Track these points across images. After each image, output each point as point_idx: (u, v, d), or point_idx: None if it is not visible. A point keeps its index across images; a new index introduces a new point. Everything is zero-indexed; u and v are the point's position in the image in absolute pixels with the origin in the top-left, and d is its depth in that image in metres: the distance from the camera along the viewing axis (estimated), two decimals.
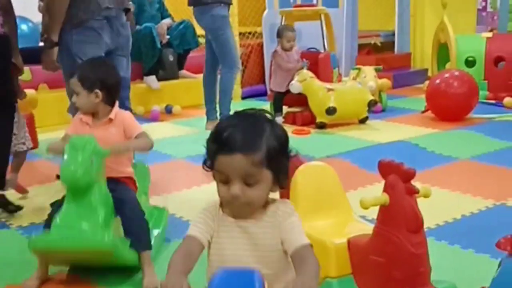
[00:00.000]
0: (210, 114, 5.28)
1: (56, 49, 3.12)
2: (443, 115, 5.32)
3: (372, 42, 8.27)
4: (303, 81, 5.16)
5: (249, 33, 7.17)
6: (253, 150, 1.37)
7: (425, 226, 1.98)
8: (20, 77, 3.49)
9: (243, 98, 6.72)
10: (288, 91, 5.29)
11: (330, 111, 5.09)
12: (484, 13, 8.27)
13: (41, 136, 4.62)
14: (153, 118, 5.71)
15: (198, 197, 3.35)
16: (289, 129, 5.07)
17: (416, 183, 1.97)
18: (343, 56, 7.28)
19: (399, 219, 1.92)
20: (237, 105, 5.60)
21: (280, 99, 5.48)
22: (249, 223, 1.46)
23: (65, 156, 2.30)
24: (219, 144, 1.39)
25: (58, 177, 3.21)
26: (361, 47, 7.83)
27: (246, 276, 1.29)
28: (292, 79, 5.22)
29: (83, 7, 3.10)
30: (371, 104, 5.29)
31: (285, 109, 5.55)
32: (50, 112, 5.12)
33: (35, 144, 4.27)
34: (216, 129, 1.43)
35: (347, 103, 5.19)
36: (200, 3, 4.91)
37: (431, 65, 7.08)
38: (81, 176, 2.26)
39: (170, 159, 4.05)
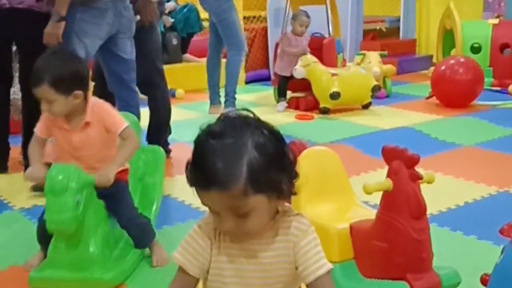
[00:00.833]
0: (213, 98, 5.26)
1: (62, 23, 3.10)
2: (447, 102, 5.30)
3: (377, 27, 8.21)
4: (307, 66, 5.14)
5: (253, 17, 7.12)
6: (230, 182, 1.12)
7: (427, 212, 1.98)
8: None
9: (247, 82, 6.70)
10: (292, 76, 5.26)
11: (334, 96, 5.07)
12: (490, 0, 8.21)
13: None
14: None
15: None
16: (292, 114, 5.15)
17: (419, 169, 1.96)
18: (348, 41, 7.24)
19: (402, 204, 1.92)
20: (241, 89, 5.61)
21: (285, 84, 5.45)
22: (259, 248, 1.26)
23: (47, 203, 2.09)
24: (194, 175, 1.17)
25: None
26: (366, 32, 7.78)
27: None
28: (296, 64, 5.19)
29: None
30: (374, 90, 5.27)
31: (288, 94, 5.52)
32: None
33: None
34: (192, 152, 1.20)
35: (351, 88, 5.17)
36: None
37: (436, 51, 7.04)
38: (68, 225, 2.09)
39: (173, 143, 4.03)
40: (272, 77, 6.09)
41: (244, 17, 6.75)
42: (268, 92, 6.00)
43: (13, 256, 2.51)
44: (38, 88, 2.15)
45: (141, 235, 2.42)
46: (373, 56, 5.77)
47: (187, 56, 6.49)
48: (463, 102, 5.27)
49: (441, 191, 2.97)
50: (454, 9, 6.43)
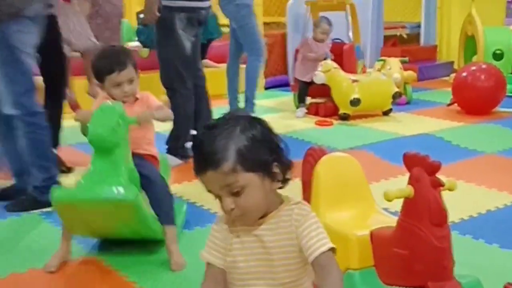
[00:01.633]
0: (232, 104, 5.26)
1: None
2: (469, 109, 5.25)
3: (398, 33, 8.17)
4: (327, 72, 5.12)
5: (273, 23, 7.13)
6: (220, 161, 1.30)
7: (449, 220, 1.95)
8: None
9: (266, 88, 6.70)
10: (312, 82, 5.25)
11: (354, 102, 5.04)
12: None
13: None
14: None
15: None
16: (312, 120, 5.13)
17: (440, 176, 1.93)
18: (368, 47, 7.21)
19: (423, 212, 1.89)
20: (260, 95, 5.61)
21: (305, 89, 5.44)
22: (263, 231, 1.39)
23: (93, 118, 2.35)
24: (195, 164, 1.36)
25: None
26: (386, 38, 7.74)
27: None
28: (316, 70, 5.18)
29: None
30: (395, 96, 5.24)
31: (308, 99, 5.51)
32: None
33: None
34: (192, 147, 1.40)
35: (371, 94, 5.14)
36: None
37: (458, 58, 6.98)
38: (108, 135, 2.32)
39: None
40: (292, 82, 6.07)
41: (264, 23, 6.75)
42: (288, 97, 5.99)
43: (33, 259, 2.52)
44: (124, 70, 2.56)
45: (165, 208, 2.52)
46: (394, 62, 5.73)
47: (206, 61, 6.50)
48: (485, 109, 5.21)
49: (463, 199, 2.93)
50: (476, 15, 6.38)
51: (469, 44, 6.62)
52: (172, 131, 3.90)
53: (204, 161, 1.32)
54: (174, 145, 3.87)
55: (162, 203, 2.51)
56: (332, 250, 1.36)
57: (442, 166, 1.92)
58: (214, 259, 1.43)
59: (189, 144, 3.88)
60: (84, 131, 2.51)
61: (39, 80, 3.67)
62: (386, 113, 5.25)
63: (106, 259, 2.54)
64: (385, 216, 2.23)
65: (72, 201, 2.34)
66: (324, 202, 2.19)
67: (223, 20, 5.51)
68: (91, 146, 2.38)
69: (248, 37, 5.04)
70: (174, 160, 3.66)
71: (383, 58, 6.00)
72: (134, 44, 6.45)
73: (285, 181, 1.40)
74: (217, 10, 5.50)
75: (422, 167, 1.91)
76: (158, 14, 3.62)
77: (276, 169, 1.36)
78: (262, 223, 1.39)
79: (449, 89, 5.54)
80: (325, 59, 5.29)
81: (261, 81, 6.39)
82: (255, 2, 5.20)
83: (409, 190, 1.91)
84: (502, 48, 6.17)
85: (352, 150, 3.96)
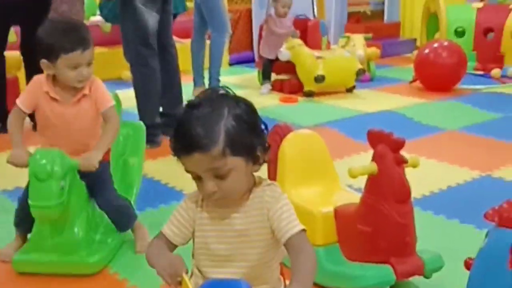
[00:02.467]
0: (197, 80, 5.23)
1: None
2: (431, 85, 5.32)
3: (362, 10, 8.19)
4: (292, 49, 5.11)
5: None
6: (209, 144, 1.26)
7: (411, 196, 1.98)
8: None
9: (231, 64, 6.66)
10: (277, 59, 5.24)
11: (319, 79, 5.05)
12: None
13: None
14: None
15: None
16: (276, 96, 5.13)
17: (403, 153, 1.96)
18: (332, 23, 7.23)
19: (387, 188, 1.91)
20: (225, 71, 5.57)
21: (269, 66, 5.43)
22: (235, 215, 1.37)
23: (30, 188, 2.09)
24: (177, 145, 1.30)
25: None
26: (350, 15, 7.77)
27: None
28: (281, 46, 5.16)
29: None
30: (359, 73, 5.27)
31: (272, 76, 5.50)
32: None
33: None
34: (175, 125, 1.33)
35: (335, 71, 5.15)
36: None
37: (420, 35, 7.05)
38: (53, 212, 2.08)
39: None
40: (256, 59, 6.05)
41: None
42: (252, 74, 5.97)
43: None
44: (87, 50, 2.17)
45: (121, 218, 2.40)
46: (358, 39, 5.75)
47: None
48: (446, 86, 5.29)
49: (424, 175, 2.97)
50: None
51: (432, 21, 6.69)
52: (138, 111, 3.81)
53: (191, 143, 1.27)
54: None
55: (115, 216, 2.37)
56: (304, 231, 1.35)
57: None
58: (173, 236, 1.41)
59: (158, 119, 3.80)
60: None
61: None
62: (349, 90, 5.29)
63: None
64: (349, 192, 2.25)
65: (33, 270, 2.23)
66: (290, 179, 2.20)
67: None
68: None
69: (211, 12, 4.99)
70: None
71: (347, 34, 6.02)
72: (96, 18, 6.34)
73: (263, 163, 1.38)
74: None
75: (386, 144, 1.93)
76: None
77: (259, 153, 1.35)
78: (235, 205, 1.37)
79: (412, 66, 5.60)
80: (292, 36, 5.27)
81: (226, 57, 6.34)
82: None
83: (373, 167, 1.93)
84: (464, 25, 6.25)
85: (317, 127, 3.98)
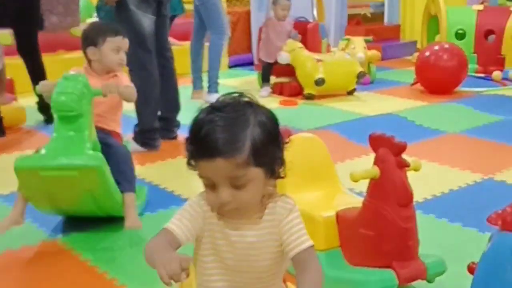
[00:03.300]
0: (196, 83, 5.20)
1: None
2: (432, 88, 5.29)
3: (362, 12, 8.18)
4: (291, 52, 5.09)
5: (236, 0, 7.05)
6: (235, 151, 1.20)
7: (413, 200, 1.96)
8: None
9: (230, 67, 6.64)
10: (276, 62, 5.21)
11: (319, 82, 5.03)
12: None
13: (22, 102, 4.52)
14: None
15: (184, 167, 3.29)
16: (276, 99, 5.10)
17: (404, 156, 1.93)
18: (332, 26, 7.21)
19: (389, 192, 1.89)
20: (224, 74, 5.55)
21: (268, 69, 5.40)
22: (246, 227, 1.31)
23: (57, 86, 2.32)
24: (198, 147, 1.23)
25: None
26: (350, 17, 7.75)
27: None
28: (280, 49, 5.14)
29: None
30: (360, 76, 5.24)
31: (272, 79, 5.48)
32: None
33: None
34: (193, 127, 1.25)
35: (335, 74, 5.13)
36: None
37: (421, 37, 7.03)
38: (72, 102, 2.28)
39: None
40: (256, 62, 6.03)
41: (227, 0, 6.68)
42: (252, 77, 5.95)
43: None
44: (125, 39, 2.75)
45: (128, 173, 2.56)
46: (358, 42, 5.73)
47: (169, 39, 6.40)
48: (447, 88, 5.27)
49: (426, 179, 2.95)
50: None
51: (432, 23, 6.67)
52: (137, 115, 3.79)
53: (215, 147, 1.20)
54: (136, 130, 3.76)
55: (124, 170, 2.52)
56: (312, 246, 1.31)
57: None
58: (178, 228, 1.30)
59: (157, 124, 3.78)
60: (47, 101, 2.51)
61: None
62: (350, 92, 5.26)
63: (67, 241, 2.49)
64: (351, 196, 2.23)
65: (35, 168, 2.26)
66: (290, 183, 2.16)
67: None
68: (54, 114, 2.37)
69: (210, 14, 4.97)
70: (134, 146, 3.54)
71: (347, 37, 6.00)
72: (93, 20, 6.31)
73: (278, 178, 1.32)
74: None
75: (388, 148, 1.91)
76: None
77: (277, 167, 1.29)
78: (247, 217, 1.31)
79: (412, 68, 5.58)
80: (293, 38, 5.24)
81: (225, 60, 6.32)
82: None
83: (375, 171, 1.91)
84: (465, 27, 6.23)
85: (317, 130, 3.95)
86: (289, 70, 5.20)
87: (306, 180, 2.20)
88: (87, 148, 2.32)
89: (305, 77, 5.13)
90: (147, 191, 2.90)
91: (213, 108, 1.25)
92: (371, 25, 7.84)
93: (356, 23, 7.80)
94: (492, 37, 6.16)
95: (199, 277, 1.38)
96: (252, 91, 5.46)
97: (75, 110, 2.30)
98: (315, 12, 5.89)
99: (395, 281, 1.90)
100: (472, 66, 5.82)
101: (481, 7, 6.42)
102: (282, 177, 1.33)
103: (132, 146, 3.30)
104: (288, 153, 2.14)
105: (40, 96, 2.96)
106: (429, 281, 1.98)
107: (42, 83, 2.59)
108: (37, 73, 4.13)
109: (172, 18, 6.38)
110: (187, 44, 5.43)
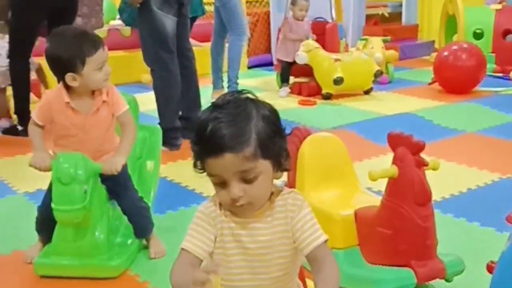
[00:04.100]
0: (216, 84, 5.25)
1: None
2: (450, 88, 5.29)
3: (380, 12, 8.17)
4: (309, 52, 5.12)
5: (256, 1, 7.09)
6: (242, 145, 1.21)
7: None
8: None
9: (249, 67, 6.68)
10: (295, 62, 5.25)
11: (337, 81, 5.05)
12: None
13: None
14: None
15: None
16: (295, 99, 5.14)
17: (422, 155, 1.96)
18: (350, 26, 7.21)
19: (407, 191, 1.91)
20: (243, 74, 5.59)
21: (288, 69, 5.44)
22: (259, 225, 1.31)
23: (54, 192, 2.11)
24: (204, 146, 1.24)
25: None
26: (368, 17, 7.75)
27: None
28: (298, 49, 5.18)
29: None
30: (377, 75, 5.26)
31: (291, 79, 5.51)
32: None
33: None
34: (198, 128, 1.26)
35: (353, 73, 5.15)
36: None
37: (439, 37, 7.01)
38: (76, 215, 2.11)
39: None
40: (275, 62, 6.06)
41: (247, 1, 6.72)
42: (271, 77, 5.99)
43: (17, 241, 2.52)
44: (104, 47, 2.21)
45: (142, 221, 2.42)
46: (376, 42, 5.74)
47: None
48: (465, 88, 5.26)
49: (444, 178, 2.95)
50: None
51: (450, 23, 6.65)
52: (158, 114, 3.84)
53: (222, 143, 1.21)
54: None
55: (135, 217, 2.39)
56: (326, 241, 1.31)
57: None
58: (194, 247, 1.30)
59: (178, 123, 3.82)
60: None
61: None
62: (367, 92, 5.28)
63: None
64: (369, 195, 2.25)
65: (55, 274, 2.24)
66: (309, 182, 2.21)
67: None
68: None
69: (230, 15, 5.02)
70: None
71: (365, 37, 6.01)
72: (116, 22, 6.39)
73: (285, 170, 1.33)
74: None
75: (406, 147, 1.93)
76: None
77: (283, 159, 1.30)
78: (257, 215, 1.31)
79: (430, 68, 5.58)
80: (307, 38, 5.28)
81: (244, 60, 6.36)
82: None
83: (394, 170, 1.93)
84: (482, 27, 6.21)
85: (335, 130, 3.98)
86: (307, 70, 5.23)
87: (325, 179, 2.23)
88: (102, 248, 2.24)
89: (323, 77, 5.15)
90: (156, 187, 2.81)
91: (215, 106, 1.27)
92: (389, 25, 7.83)
93: (374, 23, 7.81)
94: (510, 37, 6.14)
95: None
96: (271, 91, 5.57)
97: (80, 219, 2.14)
98: (333, 13, 5.91)
99: (413, 279, 1.92)
100: (490, 65, 5.80)
101: (499, 6, 6.39)
102: (288, 170, 1.35)
103: None
104: (307, 152, 2.21)
105: None
106: (448, 280, 2.00)
107: (34, 159, 2.20)
108: None
109: (193, 19, 6.44)
110: (207, 45, 5.48)
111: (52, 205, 2.11)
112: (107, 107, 2.24)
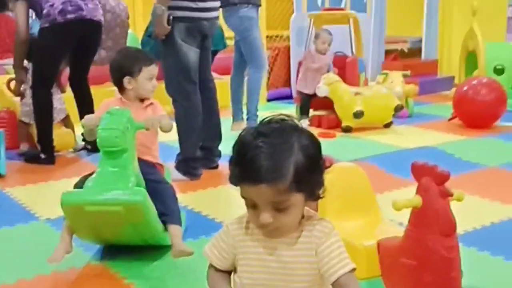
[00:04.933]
0: (236, 115, 5.29)
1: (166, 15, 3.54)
2: (470, 123, 5.27)
3: (399, 48, 8.22)
4: (330, 85, 5.15)
5: (276, 36, 7.17)
6: (278, 179, 1.24)
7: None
8: None
9: (268, 100, 6.72)
10: (315, 94, 5.27)
11: (358, 114, 5.07)
12: None
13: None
14: None
15: (224, 195, 3.36)
16: (314, 132, 5.07)
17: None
18: (370, 61, 7.26)
19: (431, 221, 1.90)
20: (262, 107, 5.61)
21: (307, 101, 5.47)
22: (282, 246, 1.35)
23: (103, 121, 2.38)
24: (242, 171, 1.27)
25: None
26: (387, 52, 7.79)
27: None
28: (319, 82, 5.21)
29: None
30: (397, 109, 5.26)
31: (311, 112, 5.53)
32: None
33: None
34: (238, 149, 1.29)
35: (373, 107, 5.16)
36: (228, 4, 4.92)
37: (459, 73, 7.02)
38: (117, 137, 2.32)
39: None
40: (294, 95, 6.10)
41: (267, 36, 6.80)
42: (290, 110, 5.99)
43: (39, 266, 2.52)
44: (156, 65, 2.78)
45: (172, 209, 2.58)
46: (396, 76, 5.77)
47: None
48: (486, 123, 5.24)
49: (467, 211, 2.92)
50: (478, 30, 6.42)
51: (470, 59, 6.66)
52: (179, 144, 3.87)
53: (259, 174, 1.23)
54: (178, 159, 3.84)
55: (169, 205, 2.55)
56: (354, 270, 1.33)
57: None
58: (215, 259, 1.42)
59: (198, 153, 3.84)
60: (89, 135, 2.62)
61: None
62: (387, 125, 5.28)
63: (112, 266, 2.54)
64: (392, 226, 2.25)
65: (81, 203, 2.33)
66: (332, 211, 2.21)
67: (228, 32, 5.56)
68: (100, 149, 2.40)
69: (250, 49, 5.08)
70: (176, 174, 3.62)
71: (385, 71, 6.04)
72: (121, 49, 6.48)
73: (318, 199, 1.36)
74: (222, 22, 5.53)
75: (431, 177, 1.93)
76: (168, 27, 3.60)
77: (317, 190, 1.33)
78: (284, 236, 1.35)
79: (450, 103, 5.57)
80: (328, 71, 5.32)
81: (264, 93, 6.41)
82: (259, 15, 5.24)
83: (418, 200, 1.92)
84: (503, 63, 6.21)
85: (356, 162, 3.93)
86: (327, 103, 5.25)
87: (347, 209, 2.23)
88: (132, 183, 2.36)
89: (343, 110, 5.17)
90: (185, 217, 2.94)
91: (259, 133, 1.28)
92: (408, 61, 7.86)
93: (394, 58, 7.84)
94: None
95: None
96: None
97: (120, 145, 2.34)
98: (353, 47, 5.96)
99: None
100: (511, 101, 5.78)
101: None
102: (322, 198, 1.37)
103: (174, 174, 3.38)
104: (330, 182, 2.20)
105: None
106: None
107: (87, 117, 2.64)
108: (86, 105, 4.28)
109: (214, 53, 6.53)
110: (227, 78, 5.53)
111: (99, 128, 2.34)
112: (153, 109, 2.73)
